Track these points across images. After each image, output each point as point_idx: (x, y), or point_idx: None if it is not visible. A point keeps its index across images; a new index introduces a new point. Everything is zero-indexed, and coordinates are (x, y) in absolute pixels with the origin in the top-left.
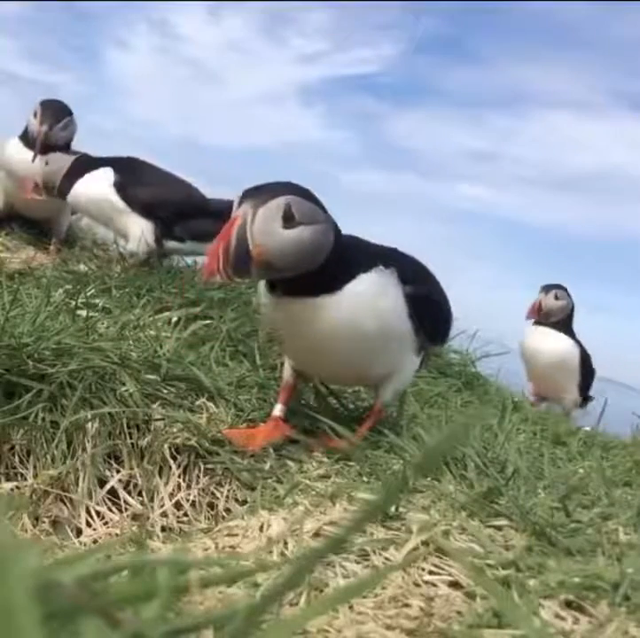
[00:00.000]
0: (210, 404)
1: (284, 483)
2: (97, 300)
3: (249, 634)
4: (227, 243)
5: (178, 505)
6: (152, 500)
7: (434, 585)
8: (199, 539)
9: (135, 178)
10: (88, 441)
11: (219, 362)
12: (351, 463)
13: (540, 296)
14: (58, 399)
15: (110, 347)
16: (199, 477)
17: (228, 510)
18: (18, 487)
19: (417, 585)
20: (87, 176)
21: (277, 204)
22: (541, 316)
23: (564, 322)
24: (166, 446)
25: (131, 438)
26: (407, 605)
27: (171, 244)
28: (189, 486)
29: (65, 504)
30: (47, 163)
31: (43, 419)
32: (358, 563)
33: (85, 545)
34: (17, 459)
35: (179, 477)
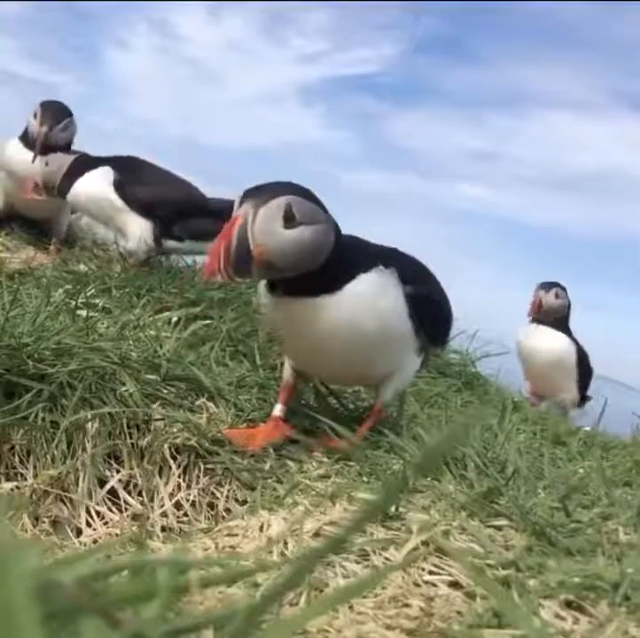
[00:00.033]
0: (210, 404)
1: (284, 483)
2: (97, 300)
3: (249, 634)
4: (228, 242)
5: (178, 505)
6: (152, 500)
7: (434, 585)
8: (199, 539)
9: (134, 177)
10: (88, 441)
11: (219, 362)
12: (351, 463)
13: (540, 293)
14: (58, 399)
15: (110, 347)
16: (198, 477)
17: (228, 510)
18: (18, 487)
19: (417, 585)
20: (86, 175)
21: (278, 204)
22: (540, 314)
23: (561, 321)
24: (166, 446)
25: (131, 438)
26: (407, 605)
27: (170, 243)
28: (189, 486)
29: (65, 504)
30: (47, 163)
31: (43, 419)
32: (358, 563)
33: (85, 545)
34: (17, 459)
35: (179, 477)
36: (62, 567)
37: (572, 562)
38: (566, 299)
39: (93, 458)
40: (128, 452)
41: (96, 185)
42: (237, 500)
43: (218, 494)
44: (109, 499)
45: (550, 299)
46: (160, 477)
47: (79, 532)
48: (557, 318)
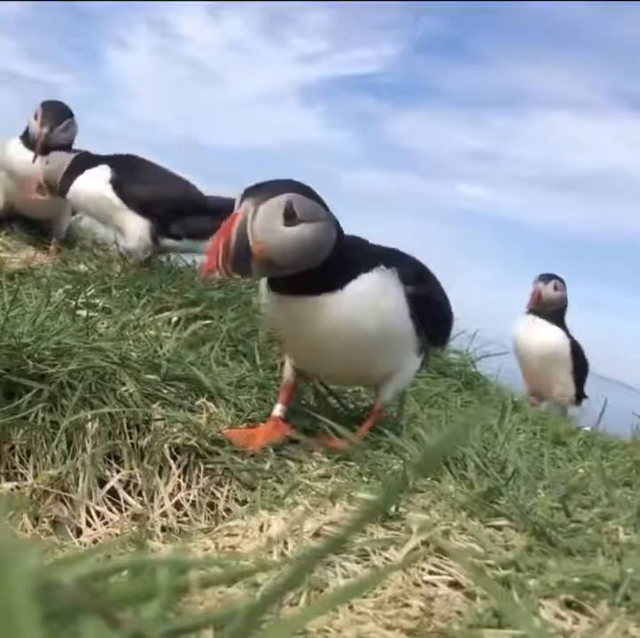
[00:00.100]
0: (210, 404)
1: (284, 483)
2: (97, 300)
3: (249, 634)
4: (227, 239)
5: (178, 505)
6: (152, 500)
7: (434, 585)
8: (199, 539)
9: (132, 175)
10: (88, 441)
11: (219, 362)
12: (351, 463)
13: (539, 285)
14: (58, 399)
15: (110, 347)
16: (199, 477)
17: (228, 510)
18: (18, 487)
19: (417, 585)
20: (85, 173)
21: (279, 201)
22: (539, 306)
23: (557, 314)
24: (166, 446)
25: (131, 438)
26: (407, 605)
27: (168, 241)
28: (189, 486)
29: (65, 504)
30: (47, 162)
31: (43, 419)
32: (358, 563)
33: (85, 545)
34: (17, 459)
35: (179, 477)
36: (62, 567)
37: (572, 562)
38: (565, 291)
39: (93, 458)
40: (128, 452)
41: (94, 184)
42: (237, 500)
43: (218, 494)
44: (109, 499)
45: (549, 290)
46: (160, 477)
47: (79, 533)
48: (553, 311)
